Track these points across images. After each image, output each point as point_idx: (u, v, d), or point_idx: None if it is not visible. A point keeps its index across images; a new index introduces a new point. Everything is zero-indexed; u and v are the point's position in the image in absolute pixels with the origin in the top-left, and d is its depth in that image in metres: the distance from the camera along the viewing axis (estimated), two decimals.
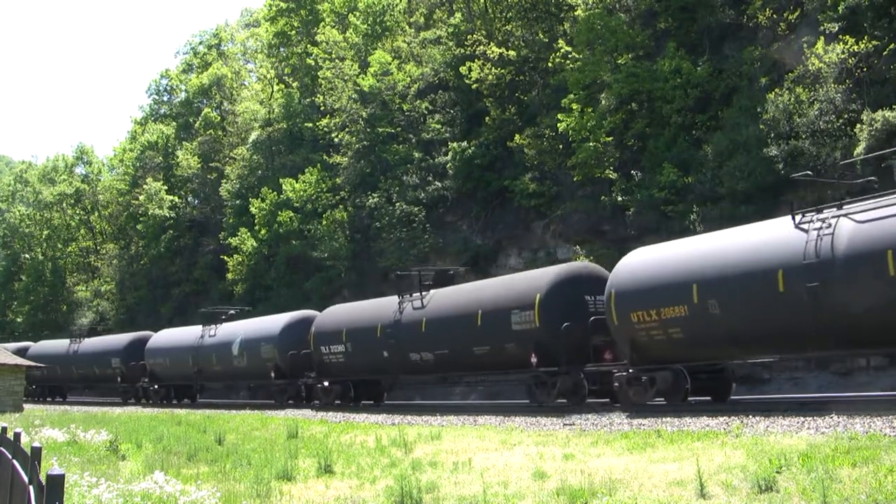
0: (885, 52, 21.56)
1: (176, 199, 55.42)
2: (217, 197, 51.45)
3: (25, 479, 5.90)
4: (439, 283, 23.88)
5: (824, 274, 13.62)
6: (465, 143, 34.48)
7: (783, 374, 22.05)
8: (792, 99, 22.56)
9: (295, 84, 49.25)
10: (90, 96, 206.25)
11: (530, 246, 31.86)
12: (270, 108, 49.54)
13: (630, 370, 17.07)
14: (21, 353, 44.17)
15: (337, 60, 41.16)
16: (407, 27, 43.60)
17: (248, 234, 42.86)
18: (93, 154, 72.47)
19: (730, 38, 27.29)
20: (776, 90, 23.19)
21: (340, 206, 38.81)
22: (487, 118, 34.30)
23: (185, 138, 59.39)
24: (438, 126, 36.62)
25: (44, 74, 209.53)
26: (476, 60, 34.35)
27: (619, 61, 28.11)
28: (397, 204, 35.17)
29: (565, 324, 18.14)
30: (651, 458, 10.70)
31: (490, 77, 33.78)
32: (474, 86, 34.49)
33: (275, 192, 41.87)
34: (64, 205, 68.92)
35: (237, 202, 47.48)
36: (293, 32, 50.09)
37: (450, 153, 34.92)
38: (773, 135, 22.69)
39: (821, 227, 14.02)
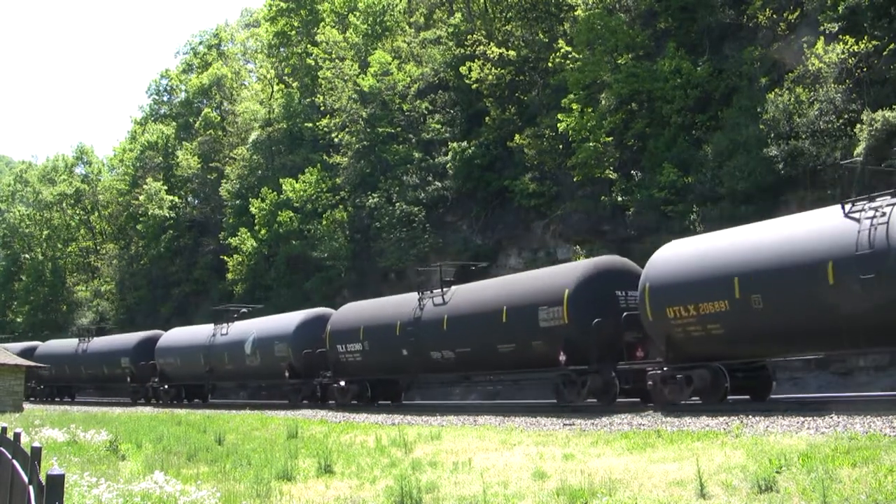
0: (885, 52, 21.56)
1: (176, 199, 55.43)
2: (217, 197, 51.46)
3: (25, 479, 5.90)
4: (460, 278, 23.12)
5: (879, 265, 12.86)
6: (465, 143, 34.47)
7: (783, 374, 22.02)
8: (792, 99, 22.56)
9: (295, 84, 49.25)
10: (90, 96, 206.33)
11: (530, 246, 31.87)
12: (270, 108, 49.56)
13: (665, 368, 16.35)
14: (29, 352, 44.06)
15: (337, 60, 41.16)
16: (407, 27, 43.60)
17: (248, 234, 42.86)
18: (93, 154, 72.55)
19: (730, 38, 27.29)
20: (776, 90, 23.19)
21: (340, 206, 38.81)
22: (487, 118, 34.29)
23: (185, 138, 59.41)
24: (438, 126, 36.61)
25: (44, 74, 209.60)
26: (476, 60, 34.35)
27: (619, 61, 28.12)
28: (397, 204, 35.17)
29: (596, 320, 17.40)
30: (651, 458, 10.70)
31: (490, 77, 33.78)
32: (474, 86, 34.49)
33: (275, 192, 41.87)
34: (64, 205, 68.95)
35: (237, 202, 47.50)
36: (293, 32, 50.10)
37: (450, 153, 34.92)
38: (773, 135, 22.69)
39: (874, 216, 13.24)
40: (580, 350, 17.68)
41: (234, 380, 34.49)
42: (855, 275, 13.14)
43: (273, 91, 51.65)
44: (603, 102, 28.25)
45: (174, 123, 62.77)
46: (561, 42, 31.40)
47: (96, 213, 68.50)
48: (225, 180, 50.12)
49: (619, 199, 26.71)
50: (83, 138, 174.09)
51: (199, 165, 54.81)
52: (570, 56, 30.33)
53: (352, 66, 40.02)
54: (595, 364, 17.58)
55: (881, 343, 14.29)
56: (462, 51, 36.02)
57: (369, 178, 37.91)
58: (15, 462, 7.06)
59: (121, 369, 38.32)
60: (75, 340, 43.63)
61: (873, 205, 13.52)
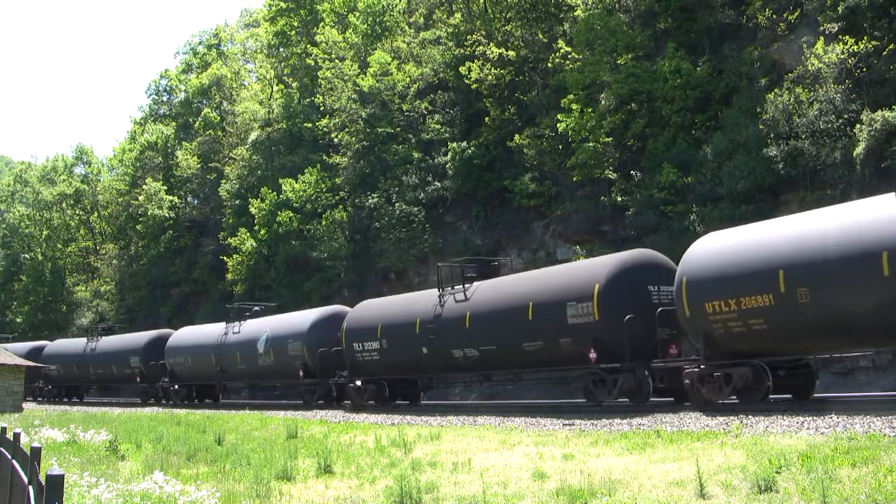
0: (884, 53, 21.56)
1: (175, 199, 55.44)
2: (217, 197, 51.47)
3: (25, 479, 5.89)
4: (483, 275, 22.30)
5: None
6: (464, 143, 34.47)
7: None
8: (791, 99, 22.56)
9: (294, 84, 49.26)
10: (90, 96, 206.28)
11: (530, 246, 31.86)
12: (270, 109, 49.59)
13: (702, 366, 15.65)
14: (37, 351, 43.89)
15: (336, 60, 41.17)
16: (406, 27, 43.60)
17: (248, 234, 42.87)
18: (92, 154, 72.61)
19: (729, 39, 27.30)
20: (776, 90, 23.19)
21: (340, 207, 38.82)
22: (487, 118, 34.29)
23: (185, 138, 59.44)
24: (438, 126, 36.60)
25: (44, 74, 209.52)
26: (476, 60, 34.35)
27: (619, 61, 28.12)
28: (397, 204, 35.17)
29: (628, 316, 16.75)
30: (651, 459, 10.70)
31: (490, 77, 33.78)
32: (474, 86, 34.49)
33: (274, 193, 41.89)
34: (63, 205, 68.97)
35: (237, 202, 47.52)
36: (293, 32, 50.12)
37: (449, 153, 34.91)
38: (772, 135, 22.70)
39: None
40: (611, 347, 17.09)
41: (246, 380, 33.51)
42: None
43: (273, 91, 51.68)
44: (602, 102, 28.26)
45: (174, 123, 62.83)
46: (560, 42, 31.41)
47: (96, 214, 68.51)
48: (224, 180, 50.14)
49: (619, 199, 26.71)
50: (83, 138, 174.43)
51: (198, 165, 54.82)
52: (569, 56, 30.34)
53: (351, 66, 40.03)
54: (628, 362, 16.98)
55: None
56: (462, 51, 36.02)
57: (369, 179, 37.90)
58: (15, 462, 7.06)
59: (130, 369, 37.71)
60: (83, 340, 42.97)
61: None
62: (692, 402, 16.21)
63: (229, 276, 44.24)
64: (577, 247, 27.48)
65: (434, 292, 22.53)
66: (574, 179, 28.66)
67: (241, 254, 43.26)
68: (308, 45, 46.93)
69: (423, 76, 38.63)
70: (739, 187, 22.90)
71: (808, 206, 19.25)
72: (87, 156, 72.09)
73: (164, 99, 68.00)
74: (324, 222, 38.16)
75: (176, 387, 34.86)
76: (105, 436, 17.35)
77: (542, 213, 31.04)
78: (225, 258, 44.98)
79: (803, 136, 22.07)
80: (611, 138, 27.71)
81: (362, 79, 38.58)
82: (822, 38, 22.51)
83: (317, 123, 42.34)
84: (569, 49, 30.48)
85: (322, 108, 42.58)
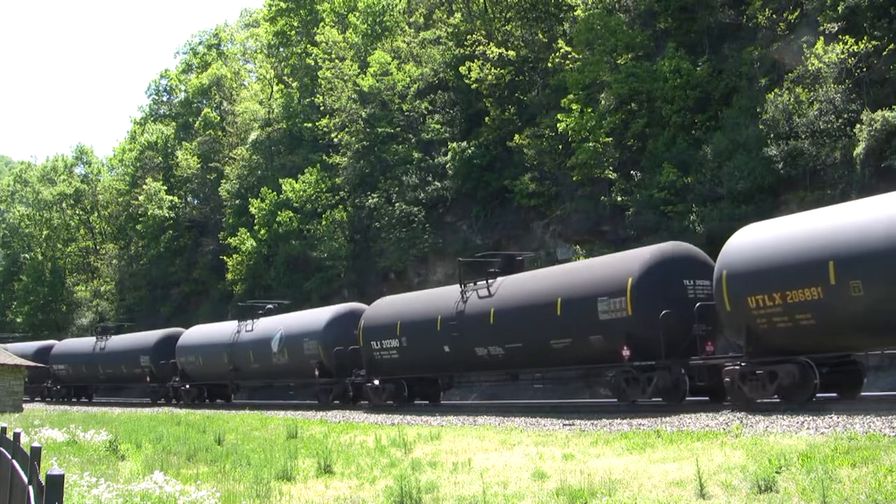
0: (884, 52, 21.58)
1: (175, 199, 55.45)
2: (217, 197, 51.48)
3: (25, 479, 5.89)
4: (506, 270, 21.42)
5: None
6: (464, 143, 34.47)
7: None
8: (791, 99, 22.57)
9: (294, 84, 49.26)
10: (90, 96, 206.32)
11: (530, 246, 31.84)
12: (270, 109, 49.59)
13: (744, 363, 14.87)
14: (45, 351, 43.71)
15: (336, 60, 41.18)
16: (406, 27, 43.60)
17: (248, 234, 42.87)
18: (92, 154, 72.60)
19: (729, 38, 27.31)
20: (776, 90, 23.20)
21: (340, 207, 38.83)
22: (487, 118, 34.29)
23: (185, 138, 59.44)
24: (438, 126, 36.61)
25: (43, 74, 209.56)
26: (476, 60, 34.36)
27: (619, 61, 28.13)
28: (397, 204, 35.18)
29: (664, 311, 15.97)
30: (651, 459, 10.70)
31: (490, 77, 33.79)
32: (474, 86, 34.49)
33: (274, 193, 41.89)
34: (63, 205, 68.97)
35: (237, 202, 47.52)
36: (293, 32, 50.12)
37: (449, 153, 34.91)
38: (772, 135, 22.71)
39: None
40: (646, 344, 16.35)
41: (259, 379, 32.53)
42: None
43: (273, 91, 51.68)
44: (602, 102, 28.26)
45: (174, 123, 62.82)
46: (560, 42, 31.41)
47: (96, 214, 68.52)
48: (224, 180, 50.14)
49: (619, 199, 26.72)
50: (83, 138, 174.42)
51: (198, 165, 54.83)
52: (569, 56, 30.34)
53: (351, 66, 40.03)
54: (663, 359, 16.21)
55: None
56: (462, 51, 36.03)
57: (369, 179, 37.91)
58: (15, 462, 7.05)
59: (140, 369, 37.03)
60: (92, 339, 42.38)
61: None
62: (732, 401, 15.46)
63: (229, 276, 44.24)
64: (577, 247, 27.48)
65: (455, 288, 21.75)
66: (574, 179, 28.66)
67: (241, 254, 43.27)
68: (308, 45, 46.94)
69: (423, 76, 38.63)
70: (739, 187, 22.91)
71: (807, 206, 19.24)
72: (87, 156, 72.09)
73: (164, 99, 68.03)
74: (324, 222, 38.16)
75: (187, 386, 34.23)
76: (105, 436, 17.35)
77: (542, 212, 31.04)
78: (225, 258, 44.98)
79: (803, 136, 22.08)
80: (611, 138, 27.71)
81: (362, 79, 38.59)
82: (822, 37, 22.52)
83: (317, 123, 42.35)
84: (569, 49, 30.49)
85: (322, 108, 42.59)
